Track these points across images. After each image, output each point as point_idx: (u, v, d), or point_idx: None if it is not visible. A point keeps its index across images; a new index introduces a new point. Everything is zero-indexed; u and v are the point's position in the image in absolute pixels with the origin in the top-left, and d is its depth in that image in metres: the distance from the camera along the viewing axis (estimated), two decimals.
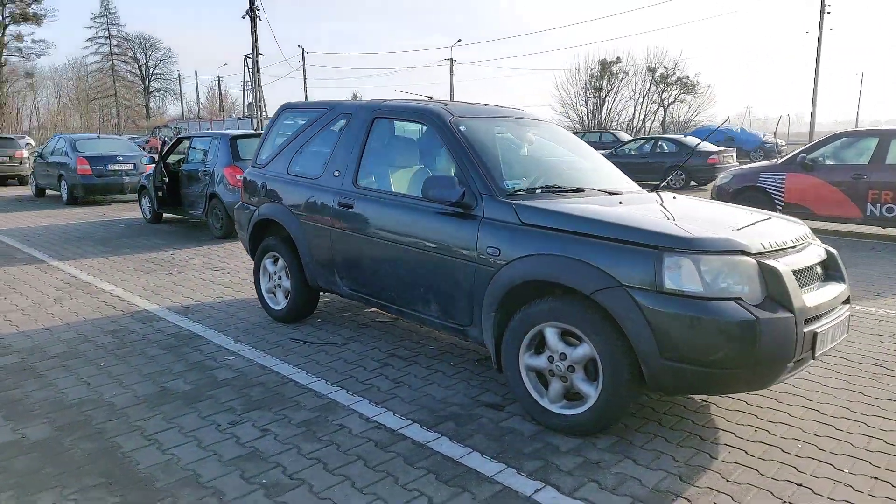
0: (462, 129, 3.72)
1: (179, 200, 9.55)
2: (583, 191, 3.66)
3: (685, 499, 2.53)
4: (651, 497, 2.54)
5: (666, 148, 18.10)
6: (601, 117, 46.88)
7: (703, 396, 3.47)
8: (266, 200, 4.87)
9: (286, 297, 4.78)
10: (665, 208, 3.41)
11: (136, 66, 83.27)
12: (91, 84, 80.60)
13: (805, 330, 2.77)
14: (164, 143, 9.81)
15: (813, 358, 2.88)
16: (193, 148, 9.37)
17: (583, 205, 3.27)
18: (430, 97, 4.74)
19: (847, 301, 3.26)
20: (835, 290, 3.13)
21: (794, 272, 2.88)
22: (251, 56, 30.90)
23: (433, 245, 3.56)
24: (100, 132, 26.22)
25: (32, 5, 64.48)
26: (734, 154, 17.96)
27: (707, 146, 17.86)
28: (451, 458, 2.82)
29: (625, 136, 28.25)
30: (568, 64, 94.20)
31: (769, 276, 2.75)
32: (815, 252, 3.21)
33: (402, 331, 4.65)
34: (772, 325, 2.66)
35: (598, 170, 4.26)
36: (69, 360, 4.04)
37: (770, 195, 9.57)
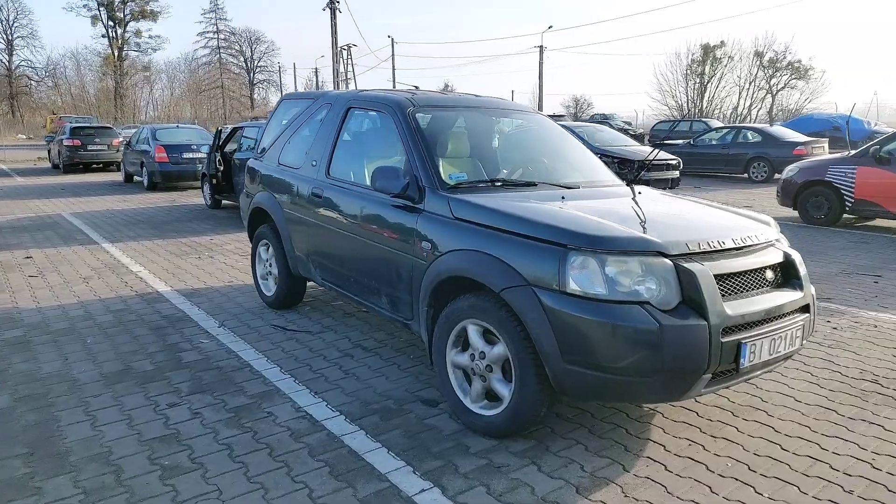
0: (418, 119, 3.66)
1: (233, 187, 10.00)
2: (535, 185, 3.51)
3: None
4: None
5: (750, 138, 16.91)
6: (702, 105, 44.63)
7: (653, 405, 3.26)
8: (260, 189, 5.01)
9: (275, 284, 4.91)
10: (610, 205, 3.21)
11: (242, 58, 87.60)
12: (201, 76, 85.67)
13: (725, 340, 2.53)
14: (219, 132, 10.29)
15: (737, 371, 2.64)
16: (245, 137, 9.78)
17: (512, 200, 3.14)
18: (416, 87, 4.69)
19: (805, 309, 2.95)
20: (784, 297, 2.84)
21: (724, 276, 2.65)
22: (332, 47, 31.67)
23: (383, 237, 3.54)
24: (179, 122, 27.88)
25: (150, 3, 69.38)
26: (826, 145, 16.54)
27: (795, 136, 16.62)
28: (356, 453, 2.81)
29: (717, 125, 26.77)
30: (667, 49, 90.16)
31: (686, 280, 2.54)
32: (770, 255, 2.92)
33: (380, 321, 4.66)
34: (679, 332, 2.45)
35: (573, 163, 4.08)
36: (63, 336, 4.36)
37: (839, 191, 8.79)
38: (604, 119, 36.35)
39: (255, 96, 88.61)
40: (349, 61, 61.15)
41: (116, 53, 72.36)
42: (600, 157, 11.55)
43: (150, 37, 73.57)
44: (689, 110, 43.83)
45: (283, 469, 2.68)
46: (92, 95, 75.06)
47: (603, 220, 2.79)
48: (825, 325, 4.61)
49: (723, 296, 2.63)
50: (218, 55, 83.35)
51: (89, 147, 18.88)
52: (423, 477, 2.61)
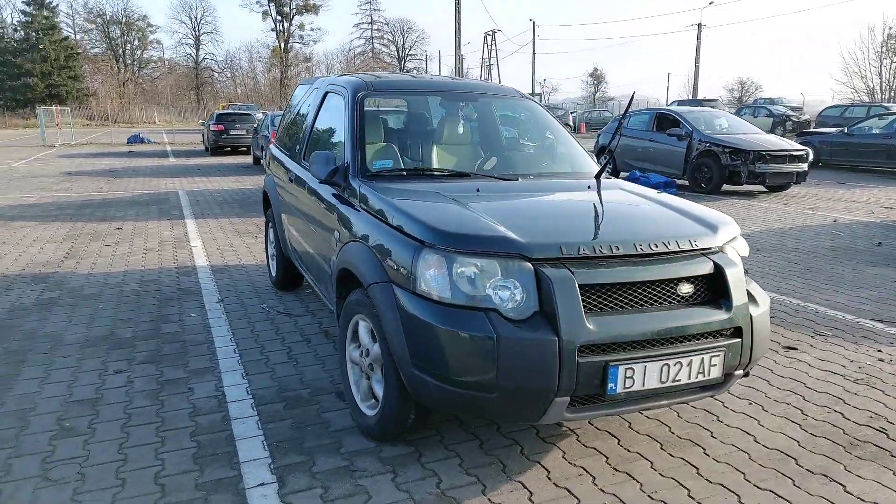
0: (365, 103, 3.57)
1: None
2: (468, 175, 3.29)
3: None
4: None
5: None
6: None
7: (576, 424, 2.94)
8: (268, 172, 5.19)
9: (276, 265, 5.07)
10: (529, 201, 2.92)
11: (394, 47, 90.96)
12: (357, 66, 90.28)
13: (583, 360, 2.20)
14: None
15: (606, 398, 2.28)
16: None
17: (410, 191, 2.97)
18: (416, 68, 4.57)
19: (736, 333, 2.48)
20: (695, 316, 2.41)
21: (603, 286, 2.30)
22: (455, 34, 31.73)
23: (321, 223, 3.51)
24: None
25: None
26: None
27: None
28: (233, 439, 2.82)
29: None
30: (856, 24, 79.63)
31: (544, 287, 2.24)
32: (691, 267, 2.48)
33: None
34: (519, 346, 2.18)
35: (540, 152, 3.77)
36: (85, 301, 4.82)
37: None
38: (767, 103, 33.20)
39: None
40: (493, 47, 60.68)
41: (282, 46, 78.26)
42: (708, 147, 10.65)
43: (312, 29, 79.09)
44: (881, 95, 38.43)
45: (156, 445, 2.76)
46: (262, 85, 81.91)
47: (482, 216, 2.54)
48: (871, 353, 3.88)
49: (597, 309, 2.29)
50: (371, 45, 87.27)
51: (231, 132, 20.67)
52: (273, 471, 2.57)
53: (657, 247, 2.46)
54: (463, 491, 2.45)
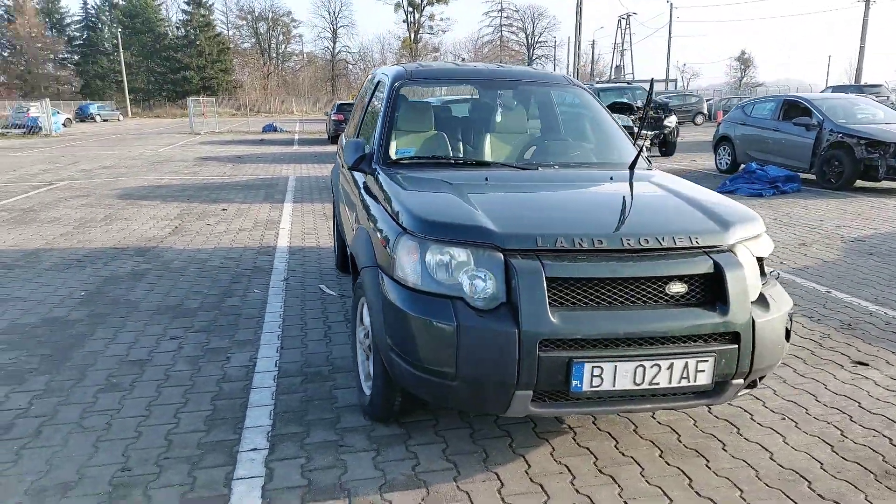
0: (402, 92, 3.65)
1: None
2: (488, 164, 3.27)
3: (339, 499, 2.32)
4: (326, 492, 2.38)
5: None
6: None
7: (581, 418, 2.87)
8: (338, 160, 5.42)
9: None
10: (536, 192, 2.86)
11: (524, 34, 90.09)
12: (485, 55, 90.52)
13: (545, 354, 2.15)
14: None
15: (569, 395, 2.21)
16: None
17: (418, 178, 3.00)
18: (464, 59, 4.57)
19: (732, 339, 2.30)
20: (681, 317, 2.26)
21: (577, 280, 2.22)
22: (576, 17, 30.74)
23: (353, 208, 3.64)
24: None
25: None
26: None
27: None
28: (248, 405, 3.03)
29: None
30: None
31: (511, 278, 2.21)
32: (687, 265, 2.32)
33: None
34: (478, 336, 2.17)
35: (575, 142, 3.64)
36: (170, 273, 5.33)
37: None
38: None
39: None
40: (627, 31, 58.50)
41: (412, 36, 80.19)
42: (841, 138, 9.84)
43: (441, 19, 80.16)
44: None
45: (179, 405, 3.03)
46: None
47: (467, 206, 2.53)
48: None
49: (571, 303, 2.23)
50: (500, 33, 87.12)
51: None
52: (269, 438, 2.74)
53: (648, 242, 2.33)
54: (435, 475, 2.48)
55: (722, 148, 13.34)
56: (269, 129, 28.36)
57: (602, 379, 2.20)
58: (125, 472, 2.47)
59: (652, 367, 2.22)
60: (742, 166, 11.73)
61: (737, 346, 2.30)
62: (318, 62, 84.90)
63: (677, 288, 2.31)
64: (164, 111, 56.82)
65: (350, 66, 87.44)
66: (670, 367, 2.23)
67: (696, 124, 33.41)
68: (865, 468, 2.55)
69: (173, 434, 2.76)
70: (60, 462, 2.54)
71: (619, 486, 2.43)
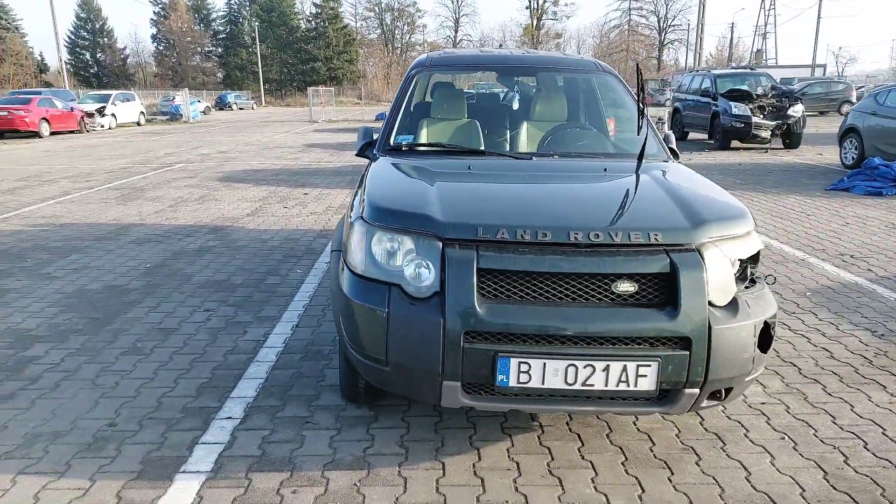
0: (415, 79, 3.66)
1: None
2: (483, 152, 3.21)
3: (283, 472, 2.40)
4: (273, 464, 2.48)
5: None
6: None
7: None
8: None
9: None
10: (513, 182, 2.78)
11: (655, 18, 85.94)
12: (611, 41, 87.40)
13: (470, 346, 2.11)
14: None
15: (495, 389, 2.15)
16: None
17: (402, 164, 3.00)
18: (501, 45, 4.49)
19: (683, 345, 2.13)
20: (622, 318, 2.12)
21: (513, 273, 2.16)
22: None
23: None
24: None
25: None
26: None
27: None
28: (239, 377, 3.21)
29: None
30: None
31: (444, 267, 2.18)
32: (639, 264, 2.17)
33: None
34: (405, 322, 2.17)
35: (587, 131, 3.48)
36: (231, 251, 5.71)
37: None
38: None
39: (665, 57, 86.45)
40: (771, 11, 54.70)
41: (534, 23, 79.11)
42: None
43: (566, 4, 78.34)
44: None
45: (182, 371, 3.27)
46: None
47: (423, 193, 2.50)
48: None
49: (504, 296, 2.16)
50: (628, 17, 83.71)
51: None
52: (246, 409, 2.89)
53: (598, 237, 2.21)
54: (383, 459, 2.51)
55: (848, 141, 12.08)
56: (381, 117, 29.17)
57: (530, 375, 2.12)
58: (110, 427, 2.72)
59: (585, 367, 2.11)
60: (864, 161, 10.59)
61: (687, 352, 2.12)
62: (440, 51, 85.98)
63: (625, 287, 2.17)
64: (294, 100, 60.22)
65: None
66: (606, 369, 2.11)
67: (840, 114, 30.39)
68: (854, 500, 2.27)
69: (165, 397, 2.99)
70: (63, 413, 2.83)
71: (562, 488, 2.33)
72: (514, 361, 2.11)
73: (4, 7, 58.05)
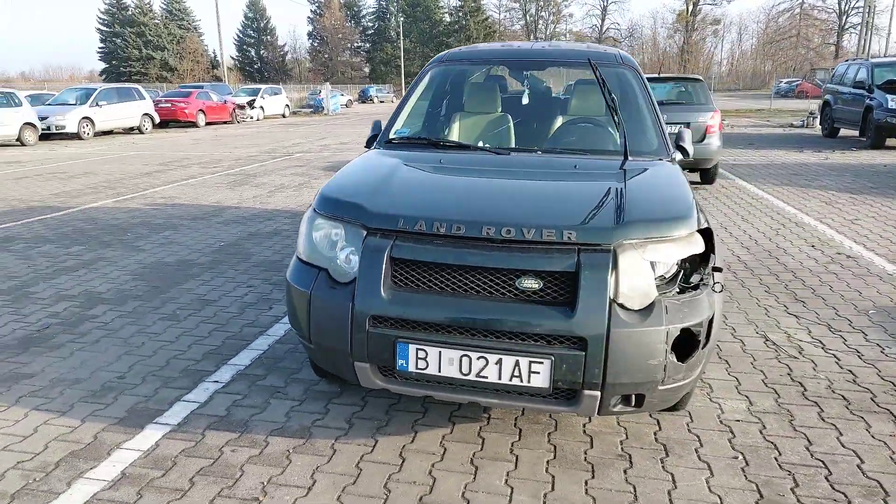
0: (429, 74, 3.79)
1: None
2: (468, 147, 3.27)
3: (233, 433, 2.66)
4: (229, 424, 2.76)
5: None
6: None
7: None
8: None
9: None
10: (480, 176, 2.86)
11: (835, 0, 77.61)
12: (779, 26, 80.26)
13: (374, 330, 2.24)
14: None
15: (396, 372, 2.25)
16: None
17: (389, 154, 3.15)
18: (538, 38, 4.46)
19: (578, 345, 2.11)
20: (517, 314, 2.15)
21: (425, 264, 2.25)
22: None
23: None
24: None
25: None
26: None
27: None
28: (244, 347, 3.55)
29: None
30: None
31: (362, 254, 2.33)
32: (545, 262, 2.17)
33: None
34: (322, 306, 2.36)
35: (599, 128, 3.40)
36: (279, 236, 6.16)
37: None
38: None
39: (845, 43, 77.88)
40: None
41: (689, 8, 74.65)
42: None
43: None
44: None
45: (199, 338, 3.67)
46: (660, 53, 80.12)
47: (369, 184, 2.64)
48: None
49: (414, 285, 2.27)
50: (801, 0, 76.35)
51: None
52: (235, 375, 3.21)
53: (510, 233, 2.24)
54: (325, 431, 2.70)
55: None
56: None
57: (427, 362, 2.21)
58: (118, 380, 3.15)
59: (478, 359, 2.16)
60: None
61: (583, 353, 2.10)
62: (586, 41, 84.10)
63: (529, 283, 2.18)
64: None
65: (617, 44, 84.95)
66: (499, 362, 2.14)
67: None
68: None
69: (175, 359, 3.39)
70: (89, 364, 3.32)
71: (474, 478, 2.39)
72: (412, 348, 2.20)
73: (186, 10, 65.04)
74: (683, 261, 2.31)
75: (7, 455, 2.52)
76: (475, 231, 2.26)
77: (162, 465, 2.45)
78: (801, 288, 4.54)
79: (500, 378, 2.16)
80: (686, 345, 2.20)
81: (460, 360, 2.17)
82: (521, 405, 2.25)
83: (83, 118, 17.71)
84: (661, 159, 3.08)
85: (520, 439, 2.65)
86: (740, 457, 2.53)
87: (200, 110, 22.85)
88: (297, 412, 2.85)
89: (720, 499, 2.27)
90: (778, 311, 4.11)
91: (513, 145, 3.34)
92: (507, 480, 2.38)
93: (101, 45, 61.84)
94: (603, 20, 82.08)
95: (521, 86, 3.93)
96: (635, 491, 2.32)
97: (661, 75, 10.95)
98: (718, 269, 2.54)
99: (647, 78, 9.59)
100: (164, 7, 63.83)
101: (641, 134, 3.31)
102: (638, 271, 2.18)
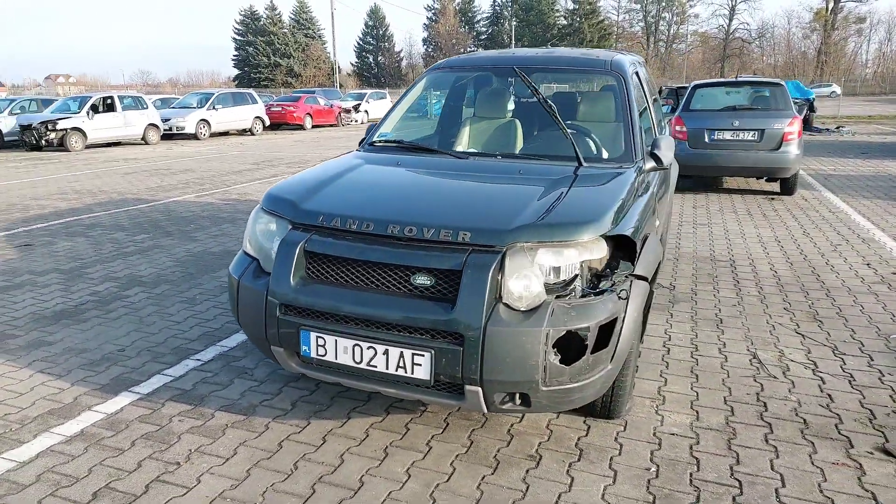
0: (424, 78, 3.94)
1: None
2: (434, 151, 3.38)
3: (189, 406, 2.94)
4: (189, 398, 3.05)
5: None
6: None
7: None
8: None
9: None
10: (430, 176, 2.98)
11: None
12: None
13: (283, 316, 2.43)
14: (660, 90, 10.27)
15: (301, 357, 2.42)
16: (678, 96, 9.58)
17: (361, 156, 3.33)
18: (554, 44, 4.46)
19: (455, 340, 2.19)
20: (403, 308, 2.26)
21: (332, 258, 2.42)
22: None
23: None
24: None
25: None
26: None
27: None
28: (242, 334, 3.87)
29: None
30: None
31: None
32: (440, 259, 2.26)
33: None
34: (244, 293, 2.59)
35: (564, 136, 3.39)
36: None
37: None
38: None
39: None
40: None
41: (830, 6, 69.00)
42: None
43: None
44: None
45: (203, 318, 4.02)
46: (795, 55, 74.58)
47: (323, 184, 2.82)
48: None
49: (324, 277, 2.43)
50: None
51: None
52: (216, 356, 3.51)
53: (411, 232, 2.35)
54: (267, 410, 2.92)
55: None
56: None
57: (325, 350, 2.36)
58: (118, 352, 3.56)
59: (368, 348, 2.28)
60: None
61: (460, 348, 2.17)
62: (712, 42, 79.96)
63: (422, 280, 2.28)
64: None
65: (746, 45, 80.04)
66: (386, 352, 2.26)
67: None
68: None
69: (173, 337, 3.76)
70: (101, 337, 3.76)
71: (379, 464, 2.51)
72: (312, 335, 2.37)
73: (313, 20, 68.93)
74: (590, 266, 2.31)
75: (0, 407, 2.95)
76: (381, 229, 2.39)
77: (115, 428, 2.77)
78: (827, 307, 4.22)
79: (387, 368, 2.27)
80: (570, 347, 2.20)
81: (353, 349, 2.30)
82: (416, 397, 2.35)
83: (201, 120, 19.37)
84: (620, 167, 3.03)
85: (442, 433, 2.73)
86: (654, 469, 2.46)
87: (308, 114, 24.19)
88: (253, 392, 3.10)
89: (607, 503, 2.25)
90: (786, 329, 3.86)
91: (479, 150, 3.41)
92: (408, 469, 2.48)
93: (235, 53, 66.91)
94: (731, 20, 77.63)
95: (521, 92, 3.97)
96: (526, 490, 2.34)
97: (739, 79, 10.33)
98: (643, 278, 2.50)
99: (720, 82, 9.16)
100: (293, 17, 68.01)
101: (609, 141, 3.27)
102: (526, 273, 2.21)
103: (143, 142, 18.03)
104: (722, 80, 10.15)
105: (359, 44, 74.68)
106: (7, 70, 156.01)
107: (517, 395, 2.25)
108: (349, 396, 3.03)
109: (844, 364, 3.37)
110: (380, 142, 3.62)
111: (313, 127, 24.66)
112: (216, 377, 3.25)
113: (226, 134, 21.47)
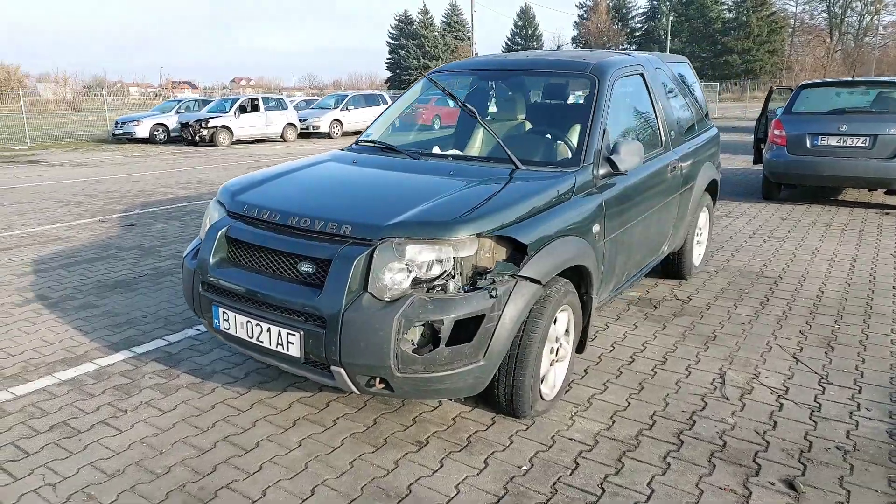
0: (419, 84, 4.14)
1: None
2: (395, 150, 3.56)
3: (162, 374, 3.40)
4: (165, 362, 3.52)
5: None
6: None
7: None
8: None
9: None
10: (387, 173, 3.19)
11: None
12: None
13: (204, 294, 2.79)
14: (770, 91, 9.42)
15: (214, 331, 2.75)
16: (774, 99, 8.82)
17: (337, 155, 3.59)
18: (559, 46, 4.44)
19: (319, 323, 2.40)
20: (281, 290, 2.52)
21: (247, 244, 2.72)
22: None
23: None
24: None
25: None
26: None
27: None
28: None
29: None
30: None
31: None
32: (324, 249, 2.48)
33: None
34: (183, 272, 2.97)
35: (525, 138, 3.44)
36: None
37: None
38: None
39: None
40: None
41: None
42: None
43: None
44: None
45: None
46: None
47: (268, 179, 3.14)
48: None
49: (238, 259, 2.75)
50: None
51: None
52: (197, 333, 3.93)
53: (306, 223, 2.59)
54: (222, 377, 3.30)
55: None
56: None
57: (229, 324, 2.67)
58: (141, 318, 4.15)
59: (256, 325, 2.56)
60: None
61: (323, 331, 2.37)
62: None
63: (305, 267, 2.52)
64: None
65: None
66: (268, 330, 2.52)
67: None
68: None
69: (174, 315, 4.25)
70: (137, 304, 4.40)
71: (283, 432, 2.77)
72: (220, 310, 2.69)
73: (462, 22, 70.58)
74: (474, 263, 2.43)
75: (28, 353, 3.60)
76: (284, 220, 2.65)
77: (99, 377, 3.29)
78: (852, 335, 3.82)
79: (270, 344, 2.53)
80: (432, 339, 2.32)
81: (246, 325, 2.59)
82: (296, 371, 2.60)
83: (334, 120, 20.79)
84: (562, 171, 3.03)
85: (355, 413, 2.94)
86: (525, 467, 2.49)
87: (437, 115, 24.94)
88: (223, 360, 3.50)
89: (457, 491, 2.34)
90: (783, 352, 3.57)
91: (440, 152, 3.53)
92: (303, 440, 2.72)
93: (388, 56, 70.36)
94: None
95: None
96: (391, 470, 2.48)
97: (855, 79, 9.20)
98: (535, 280, 2.53)
99: (832, 82, 8.27)
100: (444, 20, 70.12)
101: (565, 145, 3.26)
102: (392, 266, 2.36)
103: (281, 139, 19.73)
104: (833, 80, 9.10)
105: (507, 44, 75.12)
106: (201, 73, 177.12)
107: (377, 379, 2.40)
108: (300, 381, 3.31)
109: (822, 394, 3.09)
110: (363, 142, 3.88)
111: (441, 127, 25.35)
112: (204, 345, 3.70)
113: (357, 133, 22.80)
